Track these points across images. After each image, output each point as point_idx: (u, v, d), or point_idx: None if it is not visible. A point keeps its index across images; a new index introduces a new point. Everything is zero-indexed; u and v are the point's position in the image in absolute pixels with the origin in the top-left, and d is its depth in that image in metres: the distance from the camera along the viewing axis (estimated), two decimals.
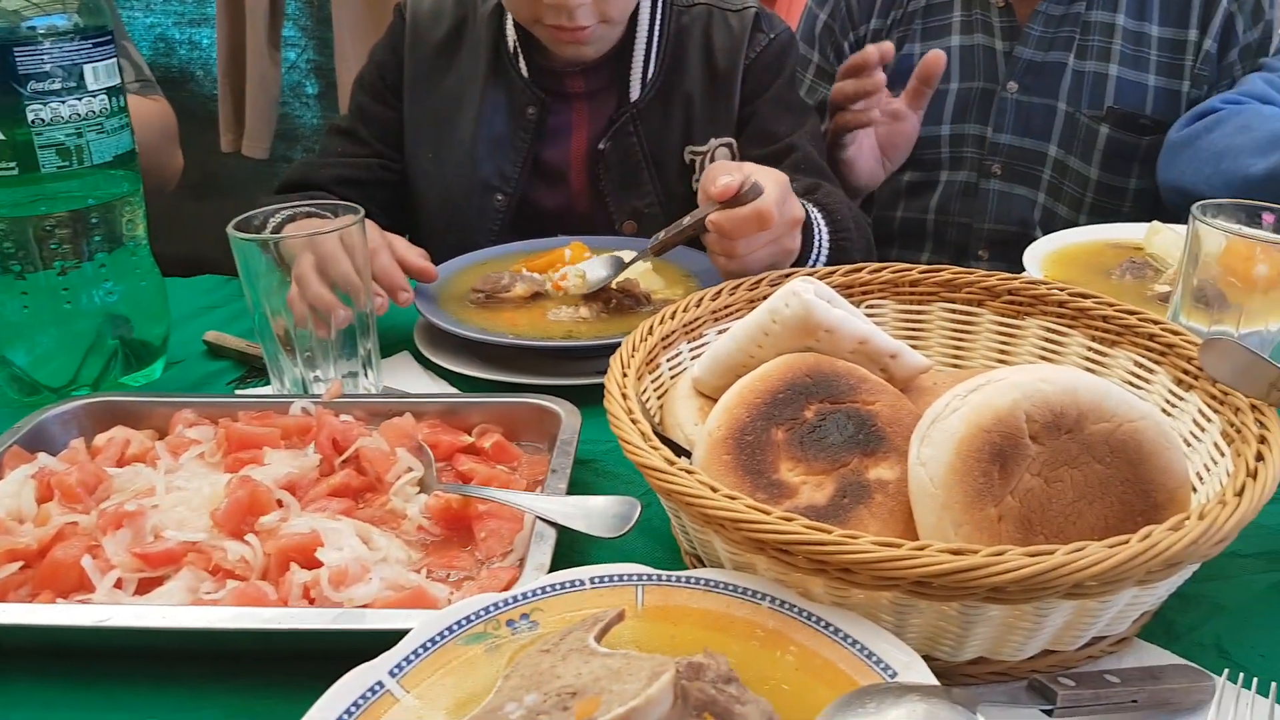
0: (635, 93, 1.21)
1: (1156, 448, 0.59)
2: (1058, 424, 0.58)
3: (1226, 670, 0.55)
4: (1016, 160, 1.38)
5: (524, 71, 1.22)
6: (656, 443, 0.60)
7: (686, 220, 0.94)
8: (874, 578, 0.51)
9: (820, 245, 1.06)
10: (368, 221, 0.89)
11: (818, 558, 0.51)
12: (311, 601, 0.61)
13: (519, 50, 1.22)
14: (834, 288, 0.84)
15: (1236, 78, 1.32)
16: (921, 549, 0.50)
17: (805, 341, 0.71)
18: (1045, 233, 1.24)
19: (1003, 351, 0.84)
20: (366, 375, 0.90)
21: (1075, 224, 1.35)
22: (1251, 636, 0.62)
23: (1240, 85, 1.28)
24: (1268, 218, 0.86)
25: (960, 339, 0.86)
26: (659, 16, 1.21)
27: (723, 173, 0.90)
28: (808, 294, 0.70)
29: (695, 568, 0.65)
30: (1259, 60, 1.33)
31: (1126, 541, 0.50)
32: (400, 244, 1.02)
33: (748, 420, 0.65)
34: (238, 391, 0.96)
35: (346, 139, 1.28)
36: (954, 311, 0.86)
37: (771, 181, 0.90)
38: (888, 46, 1.21)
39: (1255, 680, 0.54)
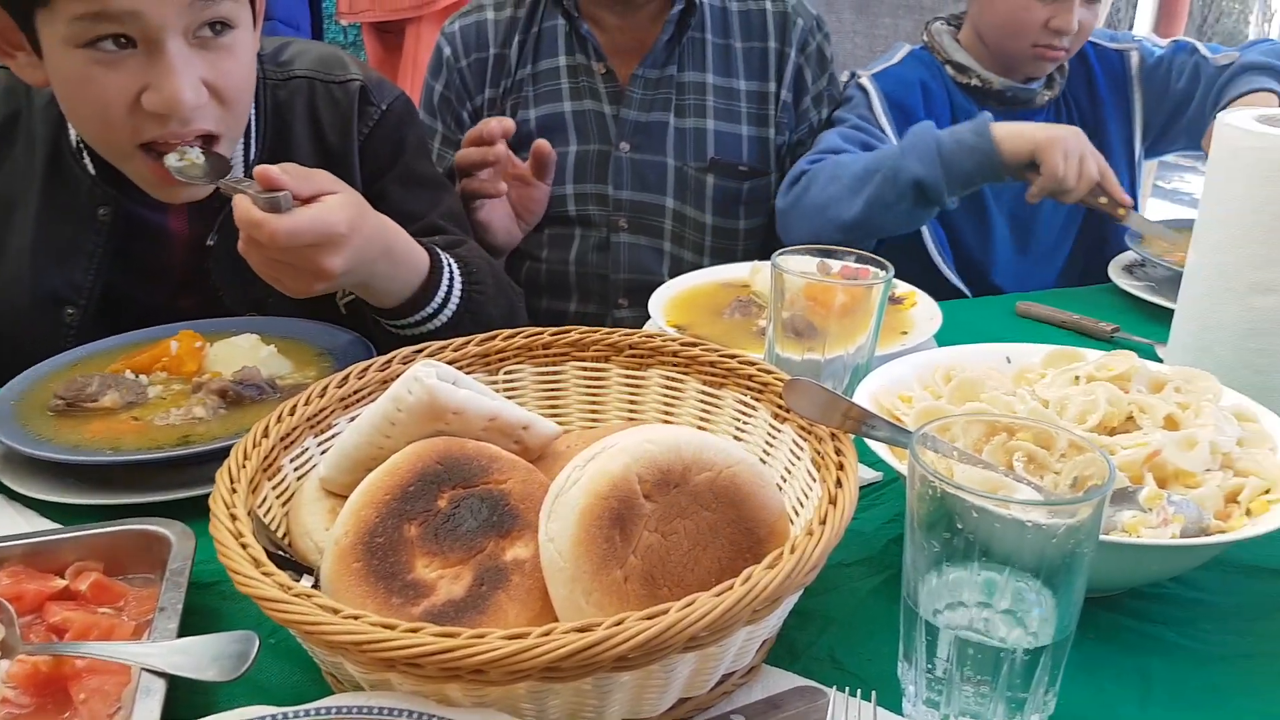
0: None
1: (753, 488, 0.64)
2: (666, 480, 0.61)
3: (835, 686, 0.61)
4: (639, 214, 1.48)
5: (90, 169, 1.08)
6: (270, 568, 0.56)
7: (247, 182, 0.89)
8: (505, 674, 0.51)
9: (451, 293, 1.05)
10: None
11: (448, 666, 0.50)
12: None
13: (83, 146, 1.07)
14: (471, 357, 0.84)
15: (813, 122, 1.51)
16: (547, 634, 0.50)
17: (434, 426, 0.70)
18: (674, 278, 1.33)
19: (632, 403, 0.88)
20: None
21: (700, 266, 1.47)
22: (859, 643, 0.69)
23: (818, 144, 1.46)
24: (846, 266, 0.97)
25: (594, 395, 0.89)
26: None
27: (291, 172, 0.87)
28: (430, 379, 0.69)
29: (337, 687, 0.62)
30: (833, 111, 1.52)
31: (731, 587, 0.54)
32: None
33: (377, 521, 0.63)
34: None
35: None
36: (586, 369, 0.89)
37: (310, 220, 0.87)
38: (509, 123, 1.25)
39: (860, 690, 0.60)
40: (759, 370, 0.81)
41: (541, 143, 1.30)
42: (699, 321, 1.16)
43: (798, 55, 1.47)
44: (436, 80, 1.48)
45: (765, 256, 1.46)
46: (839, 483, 0.65)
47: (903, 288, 1.19)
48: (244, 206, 0.87)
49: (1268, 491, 0.70)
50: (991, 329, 1.23)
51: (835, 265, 0.96)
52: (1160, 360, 1.04)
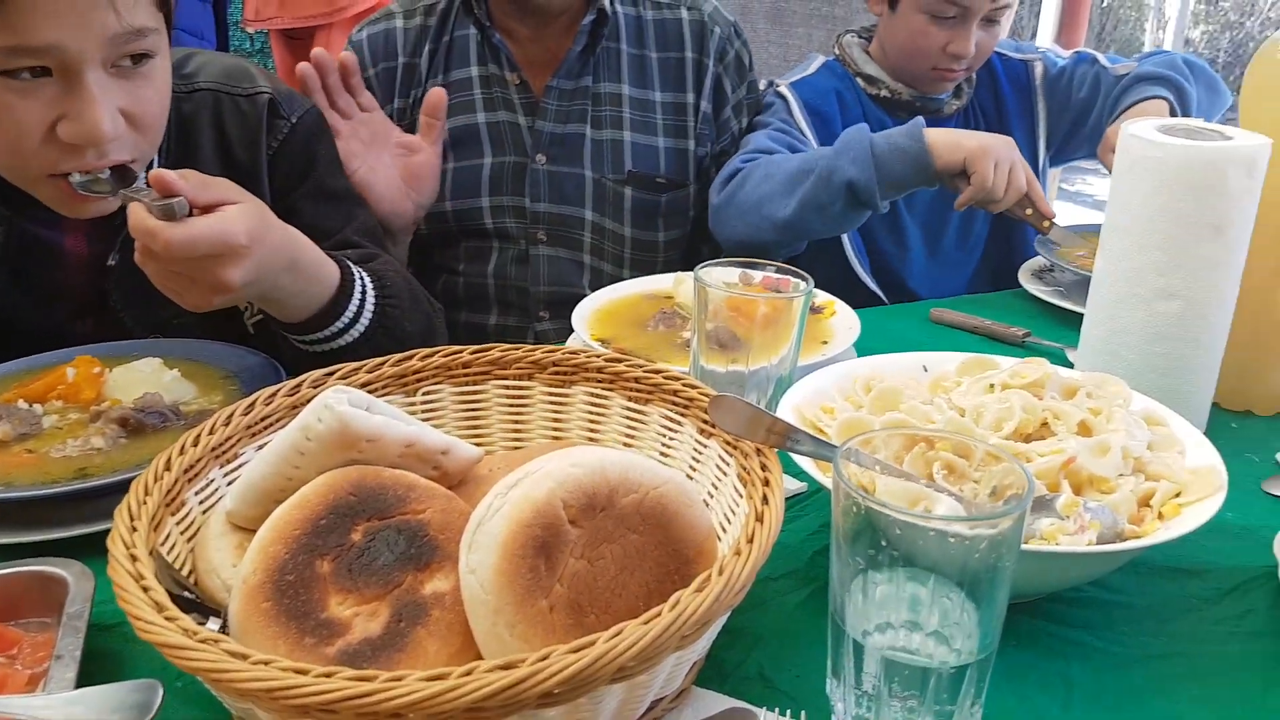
0: None
1: (680, 507, 0.63)
2: (592, 504, 0.60)
3: (765, 706, 0.60)
4: (558, 226, 1.46)
5: None
6: (174, 611, 0.53)
7: (145, 190, 0.86)
8: (425, 717, 0.48)
9: (364, 307, 1.02)
10: None
11: (364, 711, 0.48)
12: None
13: None
14: (386, 378, 0.81)
15: (734, 132, 1.51)
16: (468, 674, 0.48)
17: (347, 455, 0.67)
18: (595, 290, 1.31)
19: (556, 421, 0.86)
20: None
21: (620, 279, 1.45)
22: (788, 659, 0.69)
23: (747, 145, 1.46)
24: (767, 277, 0.97)
25: (518, 414, 0.87)
26: None
27: (189, 179, 0.84)
28: (341, 406, 0.66)
29: None
30: (755, 117, 1.53)
31: (659, 614, 0.53)
32: None
33: (287, 557, 0.60)
34: None
35: None
36: (508, 388, 0.87)
37: (206, 229, 0.84)
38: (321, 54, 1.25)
39: (790, 709, 0.60)
40: (684, 385, 0.80)
41: (435, 90, 1.30)
42: (623, 335, 1.15)
43: (716, 64, 1.47)
44: None
45: (686, 267, 1.46)
46: (765, 499, 0.65)
47: (822, 297, 1.20)
48: (138, 214, 0.83)
49: (1178, 495, 0.72)
50: (908, 336, 1.25)
51: (757, 276, 0.96)
52: (1070, 364, 1.07)
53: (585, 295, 1.26)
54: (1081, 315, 1.03)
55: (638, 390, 0.83)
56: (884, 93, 1.55)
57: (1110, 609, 0.73)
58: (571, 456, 0.62)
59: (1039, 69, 1.60)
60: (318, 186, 1.16)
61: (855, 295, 1.47)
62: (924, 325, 1.29)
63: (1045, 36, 4.40)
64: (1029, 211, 1.33)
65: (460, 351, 0.85)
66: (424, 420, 0.82)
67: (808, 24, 2.20)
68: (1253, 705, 0.65)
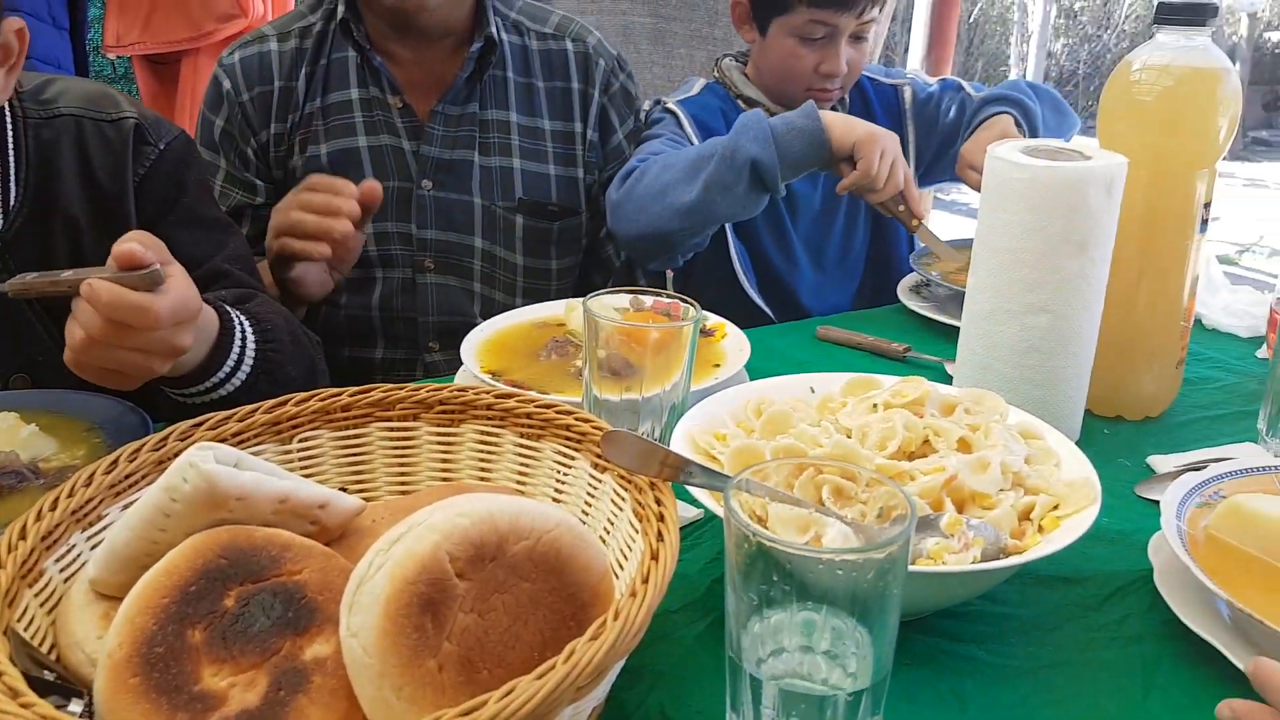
0: None
1: (574, 550, 0.62)
2: (481, 555, 0.58)
3: None
4: (446, 254, 1.43)
5: None
6: (31, 697, 0.49)
7: (68, 274, 0.81)
8: None
9: (245, 356, 0.99)
10: None
11: None
12: None
13: None
14: (259, 426, 0.78)
15: (625, 158, 1.50)
16: None
17: (216, 515, 0.63)
18: (486, 319, 1.29)
19: (445, 462, 0.84)
20: None
21: (512, 307, 1.43)
22: (688, 696, 0.68)
23: (642, 150, 1.46)
24: (658, 302, 0.97)
25: (404, 457, 0.84)
26: (11, 131, 1.03)
27: (134, 242, 0.81)
28: (207, 464, 0.62)
29: None
30: (643, 133, 1.53)
31: (553, 666, 0.52)
32: None
33: (155, 628, 0.56)
34: None
35: None
36: (392, 430, 0.84)
37: (183, 296, 0.82)
38: (371, 186, 1.21)
39: None
40: (577, 419, 0.79)
41: (371, 183, 1.24)
42: (515, 366, 1.13)
43: (601, 95, 1.47)
44: (216, 115, 1.38)
45: (578, 295, 1.45)
46: (660, 535, 0.64)
47: (713, 320, 1.21)
48: (115, 292, 0.78)
49: (1056, 507, 0.75)
50: (796, 355, 1.26)
51: (647, 302, 0.96)
52: (949, 377, 1.10)
53: (477, 324, 1.23)
54: (958, 328, 1.06)
55: (529, 427, 0.81)
56: None
57: (998, 622, 0.75)
58: (458, 506, 0.60)
59: (908, 94, 1.65)
60: (188, 214, 1.12)
61: (743, 313, 1.49)
62: (811, 343, 1.31)
63: (916, 51, 4.55)
64: (901, 208, 1.38)
65: (339, 394, 0.82)
66: (302, 470, 0.79)
67: (689, 45, 2.23)
68: (1135, 709, 0.67)
